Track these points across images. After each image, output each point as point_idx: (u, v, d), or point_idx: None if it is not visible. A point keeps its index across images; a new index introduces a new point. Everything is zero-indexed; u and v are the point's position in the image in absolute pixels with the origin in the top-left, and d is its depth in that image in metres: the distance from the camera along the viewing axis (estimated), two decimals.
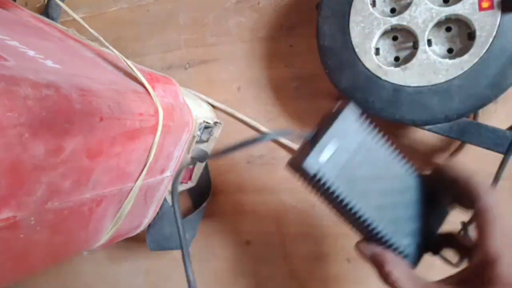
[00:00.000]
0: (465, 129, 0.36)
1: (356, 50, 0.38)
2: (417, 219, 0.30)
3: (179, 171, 0.34)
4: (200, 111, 0.47)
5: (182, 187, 0.48)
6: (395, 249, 0.30)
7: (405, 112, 0.37)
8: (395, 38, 0.39)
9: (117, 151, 0.31)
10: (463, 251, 0.29)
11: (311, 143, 0.27)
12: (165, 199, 0.46)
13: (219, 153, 0.30)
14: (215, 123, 0.48)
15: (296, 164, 0.27)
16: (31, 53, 0.29)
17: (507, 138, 0.35)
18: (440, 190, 0.30)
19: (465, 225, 0.33)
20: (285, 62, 0.49)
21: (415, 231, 0.30)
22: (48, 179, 0.24)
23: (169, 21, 0.54)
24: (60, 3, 0.52)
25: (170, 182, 0.44)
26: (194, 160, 0.45)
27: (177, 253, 0.54)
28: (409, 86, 0.37)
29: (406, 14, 0.36)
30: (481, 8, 0.34)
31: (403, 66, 0.37)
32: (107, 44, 0.40)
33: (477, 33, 0.34)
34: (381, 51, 0.39)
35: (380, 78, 0.38)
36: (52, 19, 0.56)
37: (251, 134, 0.50)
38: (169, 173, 0.43)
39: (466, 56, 0.34)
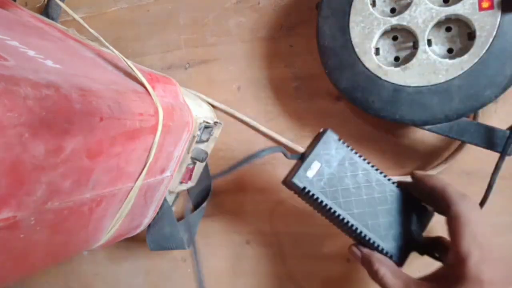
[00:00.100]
0: (465, 129, 0.36)
1: (356, 50, 0.38)
2: (398, 223, 0.34)
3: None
4: (200, 111, 0.47)
5: (182, 187, 0.48)
6: (381, 250, 0.34)
7: (405, 112, 0.37)
8: (395, 38, 0.39)
9: (117, 151, 0.31)
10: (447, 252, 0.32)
11: (300, 162, 0.35)
12: (165, 199, 0.46)
13: (221, 173, 0.38)
14: (215, 123, 0.48)
15: (288, 180, 0.35)
16: (31, 53, 0.29)
17: (508, 138, 0.35)
18: (422, 196, 0.35)
19: None
20: (285, 62, 0.49)
21: (398, 233, 0.34)
22: (48, 179, 0.24)
23: (169, 21, 0.54)
24: (60, 3, 0.52)
25: (170, 182, 0.44)
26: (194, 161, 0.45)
27: (177, 253, 0.54)
28: (409, 86, 0.37)
29: (406, 14, 0.36)
30: (481, 8, 0.34)
31: (403, 66, 0.37)
32: (107, 44, 0.40)
33: (477, 33, 0.34)
34: (381, 51, 0.39)
35: (380, 78, 0.38)
36: (52, 19, 0.56)
37: (251, 134, 0.50)
38: (169, 173, 0.43)
39: (466, 56, 0.34)
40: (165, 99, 0.40)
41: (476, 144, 0.36)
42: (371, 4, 0.38)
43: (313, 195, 0.34)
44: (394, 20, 0.37)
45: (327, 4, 0.40)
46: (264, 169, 0.50)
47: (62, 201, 0.27)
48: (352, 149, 0.35)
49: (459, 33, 0.36)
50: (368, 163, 0.35)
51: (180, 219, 0.51)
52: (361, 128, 0.44)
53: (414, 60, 0.36)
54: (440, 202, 0.32)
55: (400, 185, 0.35)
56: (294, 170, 0.35)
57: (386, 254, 0.34)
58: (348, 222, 0.34)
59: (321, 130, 0.36)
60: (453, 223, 0.30)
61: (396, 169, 0.44)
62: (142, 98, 0.36)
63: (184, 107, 0.42)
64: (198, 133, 0.45)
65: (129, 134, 0.32)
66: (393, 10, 0.38)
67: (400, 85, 0.37)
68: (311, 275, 0.48)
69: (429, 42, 0.36)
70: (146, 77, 0.39)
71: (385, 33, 0.39)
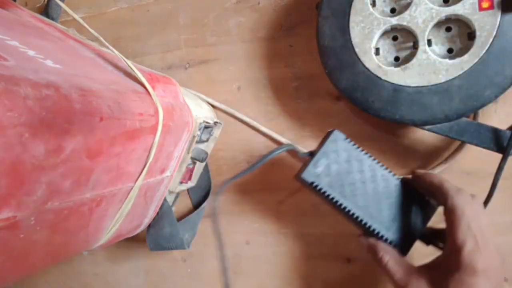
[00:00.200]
0: (465, 129, 0.36)
1: (356, 50, 0.38)
2: (402, 215, 0.37)
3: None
4: (200, 111, 0.47)
5: (182, 187, 0.48)
6: (385, 240, 0.37)
7: (405, 112, 0.37)
8: (395, 38, 0.39)
9: (117, 151, 0.31)
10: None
11: (310, 159, 0.37)
12: (165, 199, 0.46)
13: (236, 176, 0.42)
14: (215, 123, 0.48)
15: (299, 175, 0.38)
16: (31, 53, 0.29)
17: (507, 138, 0.35)
18: (425, 191, 0.37)
19: None
20: (285, 62, 0.49)
21: (401, 225, 0.37)
22: (48, 179, 0.24)
23: (169, 21, 0.54)
24: (60, 3, 0.52)
25: (170, 182, 0.44)
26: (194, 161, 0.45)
27: (177, 253, 0.54)
28: (409, 86, 0.37)
29: (406, 14, 0.36)
30: (481, 8, 0.34)
31: (403, 66, 0.37)
32: (107, 44, 0.40)
33: (477, 33, 0.34)
34: (381, 51, 0.39)
35: (380, 78, 0.38)
36: (52, 19, 0.56)
37: (251, 134, 0.50)
38: (169, 173, 0.43)
39: (466, 56, 0.34)
40: (165, 99, 0.40)
41: (476, 144, 0.36)
42: (371, 4, 0.38)
43: (321, 189, 0.37)
44: (394, 20, 0.37)
45: (327, 4, 0.40)
46: (264, 169, 0.50)
47: (62, 201, 0.27)
48: (358, 147, 0.37)
49: (459, 33, 0.36)
50: (374, 160, 0.37)
51: (180, 219, 0.51)
52: (361, 128, 0.44)
53: (414, 60, 0.36)
54: (438, 196, 0.34)
55: (405, 180, 0.37)
56: (304, 166, 0.38)
57: (390, 244, 0.36)
58: (353, 214, 0.37)
59: (330, 130, 0.38)
60: (449, 215, 0.32)
61: (397, 169, 0.44)
62: (142, 98, 0.36)
63: (184, 107, 0.42)
64: (198, 133, 0.45)
65: (129, 134, 0.32)
66: (393, 10, 0.38)
67: (400, 85, 0.37)
68: (311, 275, 0.48)
69: (429, 42, 0.36)
70: (146, 77, 0.39)
71: (385, 33, 0.39)
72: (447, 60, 0.35)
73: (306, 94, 0.48)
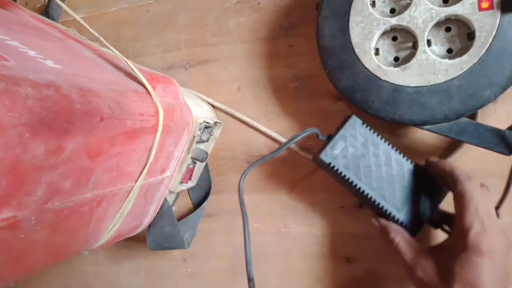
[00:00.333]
0: (464, 129, 0.36)
1: (356, 50, 0.38)
2: (414, 198, 0.39)
3: None
4: (200, 111, 0.47)
5: (182, 187, 0.48)
6: (396, 221, 0.38)
7: (404, 112, 0.37)
8: (394, 38, 0.39)
9: (117, 151, 0.31)
10: None
11: (328, 142, 0.40)
12: (165, 199, 0.46)
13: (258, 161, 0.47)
14: (215, 123, 0.48)
15: (317, 156, 0.40)
16: (31, 53, 0.29)
17: (507, 138, 0.35)
18: (437, 177, 0.38)
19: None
20: (285, 62, 0.49)
21: (413, 207, 0.38)
22: (48, 179, 0.24)
23: (169, 21, 0.54)
24: (61, 3, 0.52)
25: (170, 182, 0.44)
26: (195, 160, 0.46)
27: (177, 253, 0.54)
28: (409, 86, 0.37)
29: (405, 15, 0.36)
30: (480, 8, 0.34)
31: (402, 66, 0.37)
32: (107, 44, 0.41)
33: (477, 33, 0.34)
34: (380, 51, 0.39)
35: (379, 78, 0.38)
36: (53, 19, 0.56)
37: (251, 134, 0.50)
38: (169, 173, 0.43)
39: (465, 56, 0.34)
40: (165, 99, 0.40)
41: (475, 144, 0.36)
42: (370, 5, 0.38)
43: (337, 170, 0.39)
44: (394, 21, 0.37)
45: (327, 4, 0.40)
46: (264, 169, 0.50)
47: (62, 201, 0.27)
48: (374, 132, 0.40)
49: (459, 33, 0.36)
50: (389, 145, 0.39)
51: (180, 219, 0.51)
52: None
53: (413, 60, 0.36)
54: (449, 182, 0.36)
55: (418, 166, 0.39)
56: (322, 148, 0.40)
57: (401, 224, 0.38)
58: (367, 194, 0.39)
59: (348, 115, 0.40)
60: (458, 199, 0.34)
61: None
62: (142, 98, 0.36)
63: (184, 107, 0.42)
64: (198, 133, 0.45)
65: (129, 134, 0.32)
66: (392, 11, 0.38)
67: (400, 85, 0.37)
68: (311, 275, 0.48)
69: (429, 42, 0.36)
70: (146, 77, 0.39)
71: (384, 33, 0.39)
72: (446, 60, 0.35)
73: (306, 94, 0.48)
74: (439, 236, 0.41)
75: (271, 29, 0.49)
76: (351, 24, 0.39)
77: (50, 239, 0.28)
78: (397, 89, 0.37)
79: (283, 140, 0.48)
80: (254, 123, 0.50)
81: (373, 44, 0.38)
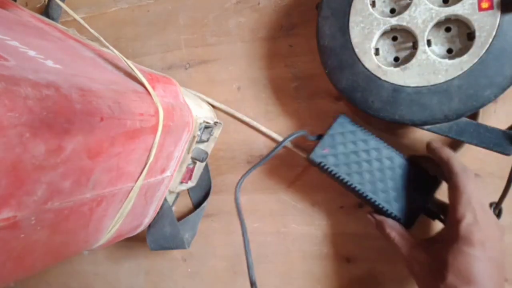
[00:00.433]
0: (464, 129, 0.36)
1: (356, 50, 0.38)
2: (407, 191, 0.39)
3: None
4: (200, 111, 0.47)
5: (182, 187, 0.48)
6: (389, 214, 0.39)
7: (404, 112, 0.37)
8: (394, 38, 0.39)
9: (117, 151, 0.31)
10: None
11: (318, 142, 0.41)
12: (165, 199, 0.46)
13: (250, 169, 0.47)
14: (215, 123, 0.48)
15: (308, 156, 0.41)
16: (31, 53, 0.29)
17: (507, 137, 0.35)
18: (429, 166, 0.39)
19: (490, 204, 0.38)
20: (285, 62, 0.49)
21: (406, 200, 0.39)
22: (48, 179, 0.24)
23: (169, 21, 0.54)
24: (61, 3, 0.52)
25: (170, 182, 0.44)
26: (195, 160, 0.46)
27: (177, 253, 0.54)
28: (409, 86, 0.37)
29: (405, 15, 0.36)
30: (480, 9, 0.34)
31: (402, 66, 0.37)
32: (107, 44, 0.41)
33: (477, 34, 0.34)
34: (380, 51, 0.39)
35: (379, 78, 0.38)
36: (53, 19, 0.56)
37: (251, 134, 0.50)
38: (169, 173, 0.43)
39: (465, 56, 0.34)
40: (165, 99, 0.40)
41: (475, 144, 0.36)
42: (370, 5, 0.38)
43: (328, 168, 0.40)
44: (394, 21, 0.37)
45: (327, 4, 0.40)
46: (263, 169, 0.50)
47: (62, 201, 0.27)
48: (363, 129, 0.41)
49: (459, 34, 0.36)
50: (379, 140, 0.40)
51: (180, 219, 0.51)
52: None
53: (413, 60, 0.36)
54: (445, 171, 0.36)
55: (411, 158, 0.40)
56: (313, 148, 0.41)
57: (394, 218, 0.39)
58: (359, 190, 0.40)
59: (337, 115, 0.42)
60: (452, 190, 0.35)
61: None
62: (142, 98, 0.36)
63: (184, 107, 0.42)
64: (198, 133, 0.45)
65: (129, 134, 0.32)
66: (392, 11, 0.38)
67: (400, 85, 0.37)
68: (311, 275, 0.48)
69: (429, 43, 0.36)
70: (146, 77, 0.39)
71: (384, 34, 0.39)
72: (446, 60, 0.35)
73: (306, 94, 0.48)
74: (439, 227, 0.41)
75: (271, 29, 0.49)
76: (351, 24, 0.39)
77: (50, 239, 0.28)
78: (397, 89, 0.37)
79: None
80: (254, 123, 0.50)
81: (373, 44, 0.38)
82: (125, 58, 0.38)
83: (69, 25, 0.52)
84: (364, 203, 0.42)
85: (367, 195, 0.40)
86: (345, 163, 0.40)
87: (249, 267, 0.46)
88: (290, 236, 0.49)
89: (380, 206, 0.39)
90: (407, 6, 0.36)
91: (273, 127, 0.49)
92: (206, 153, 0.46)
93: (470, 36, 0.35)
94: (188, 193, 0.54)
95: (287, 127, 0.49)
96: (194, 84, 0.53)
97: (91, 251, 0.58)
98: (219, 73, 0.52)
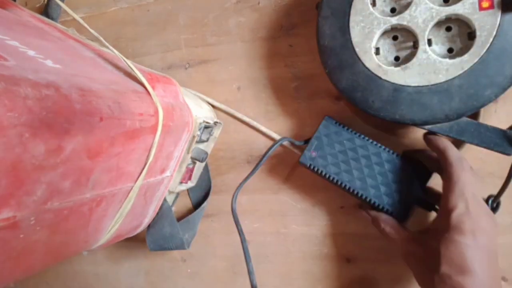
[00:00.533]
0: (465, 129, 0.36)
1: (356, 49, 0.38)
2: (397, 184, 0.40)
3: None
4: (200, 111, 0.47)
5: (182, 187, 0.48)
6: (382, 209, 0.40)
7: (405, 111, 0.37)
8: (395, 38, 0.39)
9: (117, 151, 0.31)
10: None
11: (306, 145, 0.43)
12: (165, 199, 0.46)
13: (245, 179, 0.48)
14: (215, 123, 0.48)
15: (298, 160, 0.43)
16: (31, 53, 0.29)
17: (508, 137, 0.35)
18: (424, 159, 0.40)
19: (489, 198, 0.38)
20: (285, 62, 0.49)
21: (397, 194, 0.40)
22: (48, 179, 0.24)
23: (169, 21, 0.54)
24: (60, 3, 0.52)
25: (170, 182, 0.44)
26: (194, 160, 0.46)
27: (177, 253, 0.54)
28: (409, 86, 0.36)
29: (406, 14, 0.36)
30: (481, 8, 0.34)
31: (403, 66, 0.37)
32: (107, 44, 0.40)
33: (477, 33, 0.34)
34: (381, 51, 0.39)
35: (380, 78, 0.38)
36: (52, 19, 0.56)
37: (251, 134, 0.50)
38: (169, 173, 0.43)
39: (466, 56, 0.34)
40: (165, 99, 0.40)
41: (476, 144, 0.36)
42: (371, 4, 0.38)
43: (318, 169, 0.42)
44: (394, 20, 0.37)
45: (327, 4, 0.40)
46: (263, 169, 0.50)
47: (62, 201, 0.27)
48: (348, 129, 0.42)
49: (459, 33, 0.36)
50: (364, 138, 0.42)
51: (180, 219, 0.51)
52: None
53: (414, 60, 0.36)
54: (440, 160, 0.36)
55: (405, 153, 0.41)
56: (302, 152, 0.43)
57: (387, 212, 0.40)
58: (350, 188, 0.41)
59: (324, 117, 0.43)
60: (447, 180, 0.35)
61: None
62: (142, 98, 0.36)
63: (184, 107, 0.42)
64: (198, 133, 0.45)
65: (129, 134, 0.32)
66: (393, 10, 0.38)
67: (400, 85, 0.37)
68: (311, 275, 0.48)
69: (429, 42, 0.36)
70: (146, 77, 0.39)
71: (385, 33, 0.39)
72: (447, 60, 0.35)
73: (306, 94, 0.48)
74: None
75: (271, 29, 0.49)
76: (352, 24, 0.39)
77: (50, 239, 0.28)
78: (397, 89, 0.37)
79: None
80: (254, 123, 0.50)
81: (373, 44, 0.38)
82: (125, 58, 0.38)
83: (68, 25, 0.52)
84: (360, 202, 0.42)
85: (357, 192, 0.40)
86: (333, 163, 0.42)
87: (249, 272, 0.46)
88: (290, 236, 0.49)
89: (372, 201, 0.40)
90: (407, 6, 0.36)
91: (273, 127, 0.49)
92: (206, 153, 0.46)
93: (470, 35, 0.35)
94: (188, 193, 0.54)
95: (287, 127, 0.49)
96: (194, 84, 0.53)
97: (91, 251, 0.58)
98: (219, 73, 0.52)
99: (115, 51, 0.39)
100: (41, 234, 0.26)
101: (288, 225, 0.49)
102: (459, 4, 0.34)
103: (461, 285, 0.31)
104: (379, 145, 0.41)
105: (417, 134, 0.44)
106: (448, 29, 0.36)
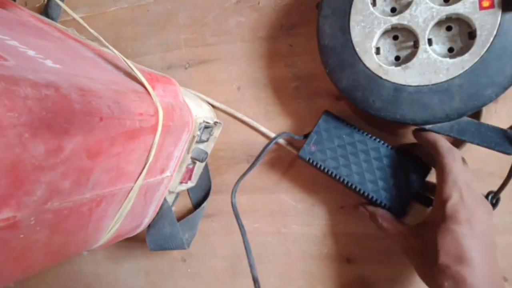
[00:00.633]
0: (465, 128, 0.36)
1: (357, 49, 0.38)
2: (395, 179, 0.40)
3: None
4: (200, 111, 0.47)
5: (182, 187, 0.48)
6: (379, 204, 0.40)
7: (405, 111, 0.37)
8: (395, 38, 0.38)
9: (116, 151, 0.31)
10: None
11: (305, 140, 0.43)
12: (165, 199, 0.46)
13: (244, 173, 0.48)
14: (215, 123, 0.48)
15: (298, 154, 0.43)
16: (31, 53, 0.29)
17: (508, 137, 0.35)
18: (420, 153, 0.40)
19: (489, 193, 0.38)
20: (285, 62, 0.49)
21: (395, 188, 0.40)
22: (48, 179, 0.24)
23: (169, 21, 0.54)
24: (60, 3, 0.52)
25: (170, 182, 0.44)
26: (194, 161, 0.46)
27: (177, 253, 0.54)
28: (410, 86, 0.36)
29: (406, 13, 0.36)
30: (481, 7, 0.34)
31: (403, 66, 0.37)
32: (107, 44, 0.40)
33: (478, 32, 0.34)
34: (381, 51, 0.39)
35: (380, 78, 0.38)
36: (52, 19, 0.56)
37: (251, 134, 0.50)
38: (169, 173, 0.43)
39: (466, 55, 0.34)
40: (165, 99, 0.40)
41: (477, 144, 0.36)
42: (371, 4, 0.38)
43: (317, 163, 0.42)
44: (395, 20, 0.37)
45: (328, 4, 0.40)
46: (263, 169, 0.50)
47: (62, 201, 0.26)
48: (347, 124, 0.42)
49: (460, 32, 0.36)
50: (363, 133, 0.42)
51: (180, 219, 0.51)
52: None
53: (414, 60, 0.36)
54: (432, 153, 0.36)
55: (401, 147, 0.42)
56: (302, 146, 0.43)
57: (385, 207, 0.40)
58: (348, 182, 0.41)
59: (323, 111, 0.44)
60: (439, 172, 0.35)
61: None
62: (142, 98, 0.35)
63: (184, 107, 0.42)
64: (198, 133, 0.45)
65: (129, 134, 0.32)
66: (393, 10, 0.38)
67: (401, 85, 0.37)
68: (311, 275, 0.48)
69: (430, 41, 0.36)
70: (146, 77, 0.39)
71: (385, 33, 0.39)
72: (447, 59, 0.35)
73: (306, 94, 0.48)
74: None
75: (271, 29, 0.49)
76: (352, 23, 0.38)
77: (50, 240, 0.27)
78: (398, 89, 0.37)
79: (282, 140, 0.48)
80: (254, 123, 0.50)
81: (374, 43, 0.38)
82: (124, 58, 0.38)
83: (68, 25, 0.52)
84: (357, 195, 0.42)
85: (356, 186, 0.41)
86: (332, 157, 0.42)
87: (251, 266, 0.46)
88: (290, 236, 0.49)
89: (370, 196, 0.40)
90: (408, 5, 0.36)
91: (273, 127, 0.49)
92: (206, 153, 0.46)
93: (471, 35, 0.35)
94: (188, 193, 0.54)
95: (287, 127, 0.49)
96: (194, 84, 0.53)
97: (91, 251, 0.58)
98: (219, 73, 0.52)
99: (115, 51, 0.39)
100: (41, 234, 0.26)
101: (288, 225, 0.49)
102: (459, 4, 0.34)
103: (460, 275, 0.31)
104: (378, 140, 0.41)
105: None
106: (449, 28, 0.36)
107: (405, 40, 0.38)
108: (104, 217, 0.34)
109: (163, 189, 0.44)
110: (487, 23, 0.33)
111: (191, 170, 0.49)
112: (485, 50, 0.34)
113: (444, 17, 0.35)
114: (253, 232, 0.50)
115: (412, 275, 0.44)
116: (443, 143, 0.36)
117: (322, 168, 0.42)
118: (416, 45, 0.37)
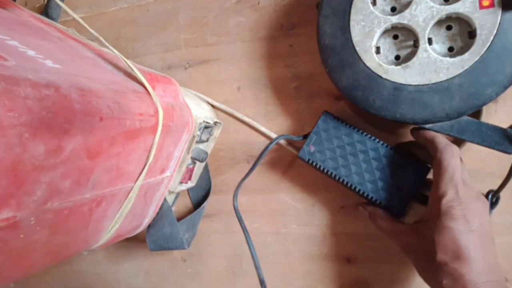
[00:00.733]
0: (466, 128, 0.36)
1: (357, 48, 0.38)
2: (394, 179, 0.40)
3: None
4: (200, 111, 0.47)
5: (182, 187, 0.48)
6: (379, 204, 0.40)
7: (405, 110, 0.37)
8: (395, 37, 0.38)
9: (117, 151, 0.31)
10: None
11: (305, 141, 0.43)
12: (165, 199, 0.45)
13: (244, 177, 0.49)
14: (215, 123, 0.48)
15: (298, 155, 0.43)
16: (31, 53, 0.28)
17: (508, 136, 0.35)
18: (418, 152, 0.40)
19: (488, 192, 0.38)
20: (285, 62, 0.49)
21: (394, 188, 0.40)
22: (48, 179, 0.24)
23: (169, 21, 0.54)
24: (60, 3, 0.52)
25: (170, 182, 0.44)
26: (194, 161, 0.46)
27: (177, 253, 0.54)
28: (410, 85, 0.36)
29: (406, 13, 0.36)
30: (481, 7, 0.34)
31: (403, 65, 0.37)
32: (107, 44, 0.40)
33: (478, 32, 0.34)
34: (381, 50, 0.39)
35: (380, 77, 0.38)
36: (52, 19, 0.56)
37: (251, 134, 0.50)
38: (169, 173, 0.43)
39: (466, 55, 0.34)
40: (165, 99, 0.40)
41: (477, 143, 0.36)
42: (371, 3, 0.38)
43: (316, 164, 0.42)
44: (395, 19, 0.37)
45: (328, 3, 0.40)
46: (263, 169, 0.50)
47: (62, 201, 0.26)
48: (346, 124, 0.42)
49: (460, 32, 0.36)
50: (363, 133, 0.42)
51: (180, 219, 0.51)
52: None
53: (414, 59, 0.36)
54: (430, 150, 0.37)
55: (399, 146, 0.42)
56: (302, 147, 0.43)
57: (384, 207, 0.40)
58: (347, 182, 0.41)
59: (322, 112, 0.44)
60: (436, 168, 0.35)
61: None
62: (142, 98, 0.35)
63: (184, 107, 0.42)
64: (198, 133, 0.45)
65: (129, 134, 0.32)
66: (393, 9, 0.38)
67: (401, 84, 0.37)
68: (311, 275, 0.48)
69: (430, 41, 0.36)
70: (146, 77, 0.39)
71: (385, 32, 0.39)
72: (447, 59, 0.35)
73: (306, 94, 0.48)
74: None
75: (271, 29, 0.49)
76: (352, 23, 0.38)
77: (50, 240, 0.27)
78: (398, 88, 0.37)
79: (283, 140, 0.48)
80: (254, 123, 0.50)
81: (374, 43, 0.38)
82: (124, 58, 0.38)
83: (68, 25, 0.52)
84: (358, 196, 0.42)
85: (355, 187, 0.41)
86: (331, 157, 0.42)
87: (257, 268, 0.46)
88: (290, 236, 0.49)
89: (369, 196, 0.40)
90: (408, 4, 0.36)
91: (273, 127, 0.49)
92: (206, 153, 0.46)
93: (471, 34, 0.35)
94: (188, 193, 0.54)
95: (287, 127, 0.49)
96: (194, 84, 0.53)
97: (91, 251, 0.58)
98: (219, 73, 0.52)
99: (115, 51, 0.39)
100: (41, 234, 0.26)
101: (288, 225, 0.49)
102: (459, 3, 0.34)
103: (458, 272, 0.31)
104: (377, 140, 0.41)
105: None
106: (449, 28, 0.36)
107: (405, 40, 0.38)
108: (104, 217, 0.34)
109: (163, 189, 0.44)
110: (487, 22, 0.33)
111: (191, 170, 0.49)
112: (485, 49, 0.34)
113: (444, 16, 0.35)
114: (253, 232, 0.50)
115: (412, 275, 0.44)
116: (441, 139, 0.36)
117: (321, 168, 0.42)
118: (416, 44, 0.37)
